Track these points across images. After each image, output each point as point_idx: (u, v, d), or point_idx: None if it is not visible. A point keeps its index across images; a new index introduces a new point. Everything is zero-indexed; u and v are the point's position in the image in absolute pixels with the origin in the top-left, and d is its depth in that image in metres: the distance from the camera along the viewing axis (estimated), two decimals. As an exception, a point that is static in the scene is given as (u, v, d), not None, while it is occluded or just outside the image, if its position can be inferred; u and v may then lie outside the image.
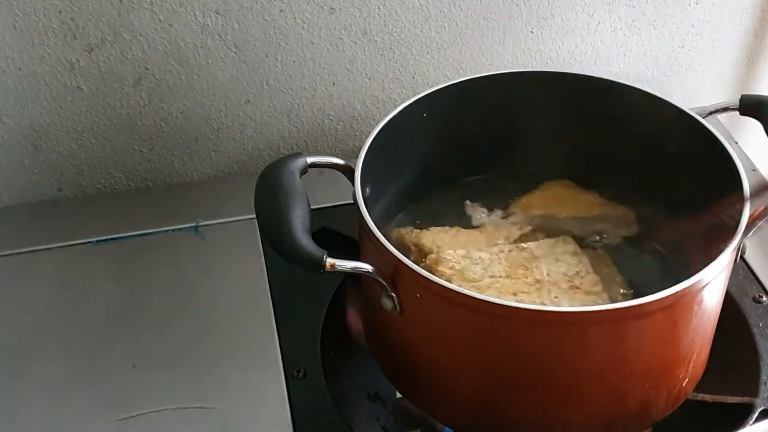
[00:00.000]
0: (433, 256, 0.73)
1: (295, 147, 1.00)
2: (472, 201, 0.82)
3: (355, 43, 0.93)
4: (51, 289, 0.83)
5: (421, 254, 0.76)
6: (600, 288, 0.71)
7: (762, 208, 0.67)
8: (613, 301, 0.71)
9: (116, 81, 0.89)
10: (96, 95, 0.89)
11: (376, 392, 0.80)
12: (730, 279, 0.69)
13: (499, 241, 0.76)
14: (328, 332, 0.80)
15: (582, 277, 0.72)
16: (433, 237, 0.77)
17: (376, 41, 0.94)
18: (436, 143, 0.80)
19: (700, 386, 0.72)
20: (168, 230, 0.89)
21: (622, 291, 0.73)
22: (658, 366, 0.65)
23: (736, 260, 0.66)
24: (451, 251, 0.72)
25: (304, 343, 0.78)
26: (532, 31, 0.98)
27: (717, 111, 0.76)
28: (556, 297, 0.70)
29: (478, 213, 0.81)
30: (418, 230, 0.78)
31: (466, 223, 0.80)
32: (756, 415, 0.73)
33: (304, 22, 0.90)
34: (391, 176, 0.79)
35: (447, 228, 0.78)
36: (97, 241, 0.88)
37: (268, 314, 0.80)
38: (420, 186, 0.83)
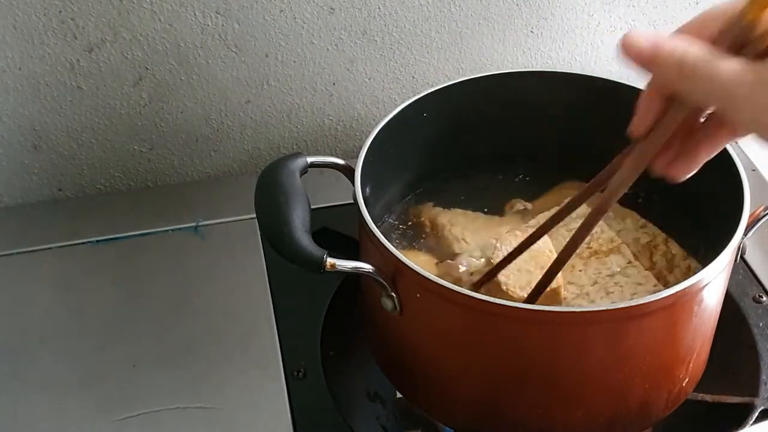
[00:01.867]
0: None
1: (295, 147, 1.00)
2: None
3: (355, 43, 0.93)
4: (51, 289, 0.83)
5: (434, 230, 0.78)
6: (618, 242, 0.72)
7: (762, 207, 0.67)
8: (636, 243, 0.73)
9: (116, 81, 0.89)
10: (96, 95, 0.89)
11: (376, 392, 0.80)
12: (730, 279, 0.69)
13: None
14: (328, 332, 0.80)
15: (598, 238, 0.72)
16: (450, 216, 0.78)
17: (376, 41, 0.94)
18: (436, 143, 0.80)
19: (700, 386, 0.72)
20: (168, 230, 0.89)
21: (641, 226, 0.74)
22: (658, 366, 0.65)
23: (736, 260, 0.66)
24: (472, 258, 0.72)
25: (304, 343, 0.78)
26: (532, 31, 0.98)
27: (717, 111, 0.76)
28: (580, 270, 0.70)
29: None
30: (439, 208, 0.79)
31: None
32: (756, 415, 0.73)
33: (304, 22, 0.90)
34: (391, 176, 0.79)
35: (468, 212, 0.79)
36: (97, 241, 0.88)
37: (268, 314, 0.80)
38: (420, 186, 0.83)
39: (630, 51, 0.48)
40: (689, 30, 0.50)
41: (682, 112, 0.51)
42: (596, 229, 0.72)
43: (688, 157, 0.54)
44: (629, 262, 0.71)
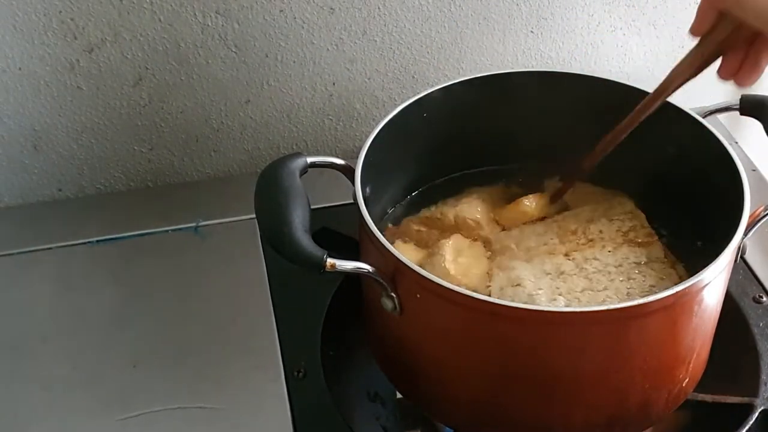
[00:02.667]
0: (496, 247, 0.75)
1: (295, 147, 1.00)
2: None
3: (355, 43, 0.93)
4: (51, 289, 0.83)
5: (444, 228, 0.78)
6: (655, 239, 0.74)
7: (762, 207, 0.67)
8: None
9: (116, 81, 0.89)
10: (96, 95, 0.89)
11: (376, 392, 0.80)
12: (730, 279, 0.69)
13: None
14: (328, 332, 0.80)
15: (637, 230, 0.74)
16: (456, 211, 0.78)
17: (376, 41, 0.94)
18: (436, 143, 0.80)
19: (700, 386, 0.72)
20: (168, 230, 0.89)
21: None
22: (658, 366, 0.65)
23: (736, 260, 0.66)
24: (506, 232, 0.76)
25: (304, 343, 0.78)
26: (532, 31, 0.98)
27: (717, 111, 0.76)
28: (609, 251, 0.72)
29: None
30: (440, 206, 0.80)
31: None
32: (756, 415, 0.73)
33: (304, 22, 0.90)
34: (391, 176, 0.79)
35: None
36: (97, 241, 0.88)
37: (268, 314, 0.80)
38: (420, 186, 0.83)
39: None
40: None
41: (731, 23, 0.61)
42: (636, 223, 0.75)
43: (751, 63, 0.63)
44: (658, 258, 0.73)
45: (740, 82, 0.64)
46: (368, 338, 0.76)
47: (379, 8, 0.92)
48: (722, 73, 0.65)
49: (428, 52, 0.97)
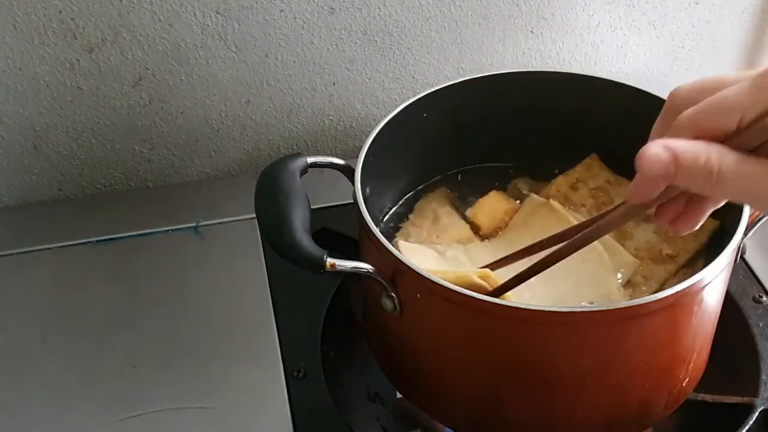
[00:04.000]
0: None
1: (295, 147, 1.00)
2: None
3: (355, 43, 0.93)
4: (51, 289, 0.83)
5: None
6: None
7: (762, 208, 0.67)
8: None
9: (116, 81, 0.89)
10: (96, 95, 0.89)
11: (376, 392, 0.80)
12: (730, 279, 0.69)
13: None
14: (328, 332, 0.80)
15: None
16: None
17: (376, 41, 0.94)
18: (436, 143, 0.80)
19: (700, 386, 0.72)
20: (168, 230, 0.89)
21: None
22: (658, 366, 0.65)
23: (736, 260, 0.66)
24: None
25: (304, 343, 0.78)
26: (532, 31, 0.98)
27: (717, 111, 0.76)
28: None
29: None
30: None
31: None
32: (756, 415, 0.73)
33: (304, 22, 0.90)
34: (391, 176, 0.79)
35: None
36: (97, 241, 0.88)
37: (268, 314, 0.80)
38: (420, 186, 0.83)
39: (653, 169, 0.47)
40: (700, 122, 0.47)
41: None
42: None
43: (694, 211, 0.53)
44: None
45: (680, 230, 0.53)
46: (368, 338, 0.76)
47: (379, 8, 0.92)
48: (658, 219, 0.53)
49: (428, 53, 0.97)
